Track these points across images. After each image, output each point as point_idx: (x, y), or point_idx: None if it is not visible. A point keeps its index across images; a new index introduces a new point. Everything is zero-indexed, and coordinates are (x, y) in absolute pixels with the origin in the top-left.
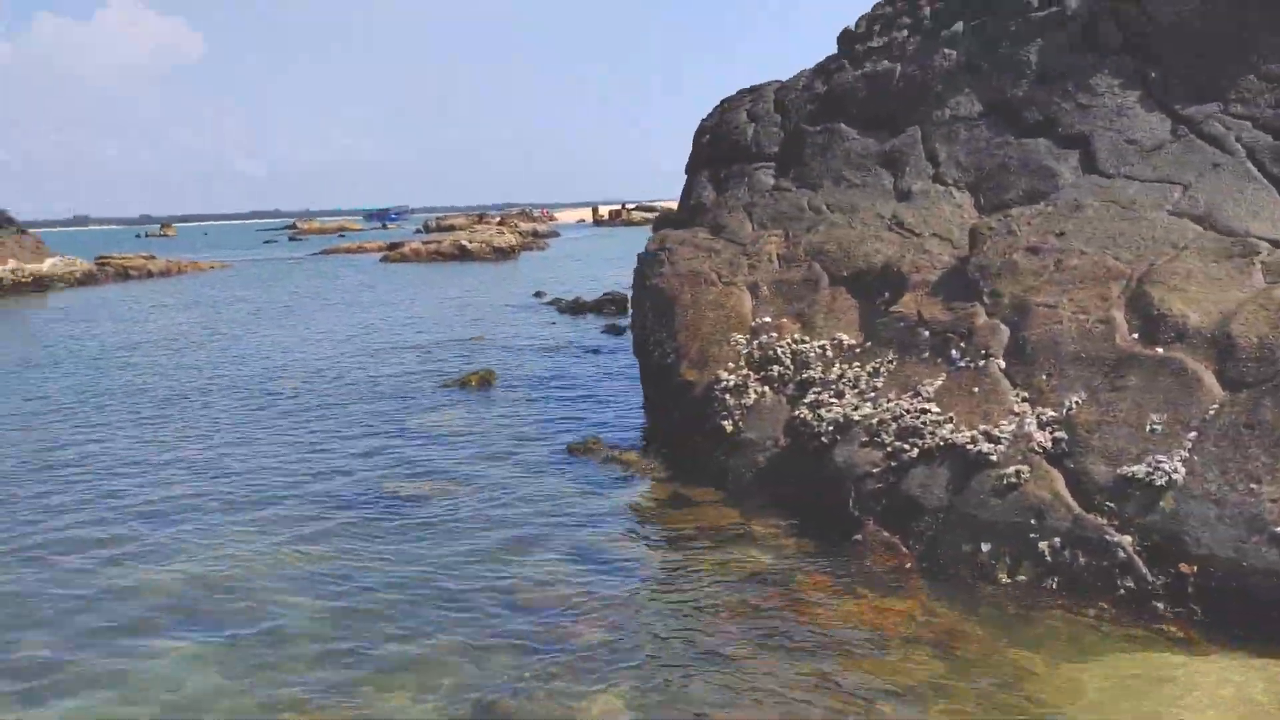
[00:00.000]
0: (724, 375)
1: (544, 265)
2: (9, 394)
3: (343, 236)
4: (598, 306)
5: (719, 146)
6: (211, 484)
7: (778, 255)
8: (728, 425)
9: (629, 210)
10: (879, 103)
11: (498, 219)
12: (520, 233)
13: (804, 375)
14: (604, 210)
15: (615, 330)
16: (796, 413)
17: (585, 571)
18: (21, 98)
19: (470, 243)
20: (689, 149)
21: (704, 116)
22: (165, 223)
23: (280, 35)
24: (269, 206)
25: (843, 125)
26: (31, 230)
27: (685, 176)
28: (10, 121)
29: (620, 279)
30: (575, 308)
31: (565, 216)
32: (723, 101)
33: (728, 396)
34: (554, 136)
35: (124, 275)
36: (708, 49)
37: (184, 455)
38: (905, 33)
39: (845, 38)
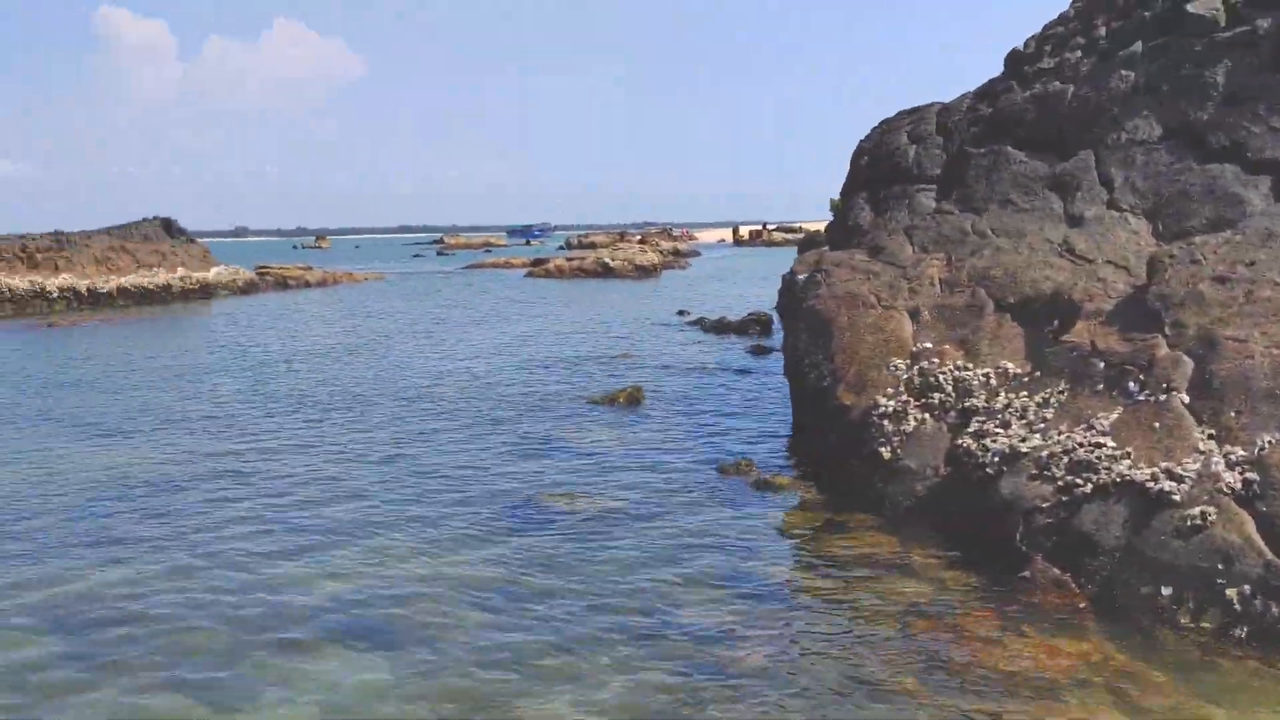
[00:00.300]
0: (882, 400)
1: (686, 284)
2: (180, 398)
3: (488, 252)
4: (743, 327)
5: (878, 168)
6: (373, 491)
7: (940, 279)
8: (885, 451)
9: (769, 231)
10: (1048, 125)
11: (638, 238)
12: (662, 251)
13: (966, 403)
14: (744, 230)
15: (762, 351)
16: (959, 442)
17: (740, 595)
18: (192, 116)
19: (613, 260)
20: (838, 171)
21: (862, 138)
22: (320, 235)
23: (436, 54)
24: (417, 222)
25: (1009, 148)
26: (197, 240)
27: (830, 199)
28: (181, 138)
29: (764, 299)
30: (720, 327)
31: (705, 236)
32: (882, 123)
33: (886, 422)
34: (693, 158)
35: (283, 284)
36: (854, 71)
37: (345, 462)
38: (1079, 54)
39: (1013, 59)
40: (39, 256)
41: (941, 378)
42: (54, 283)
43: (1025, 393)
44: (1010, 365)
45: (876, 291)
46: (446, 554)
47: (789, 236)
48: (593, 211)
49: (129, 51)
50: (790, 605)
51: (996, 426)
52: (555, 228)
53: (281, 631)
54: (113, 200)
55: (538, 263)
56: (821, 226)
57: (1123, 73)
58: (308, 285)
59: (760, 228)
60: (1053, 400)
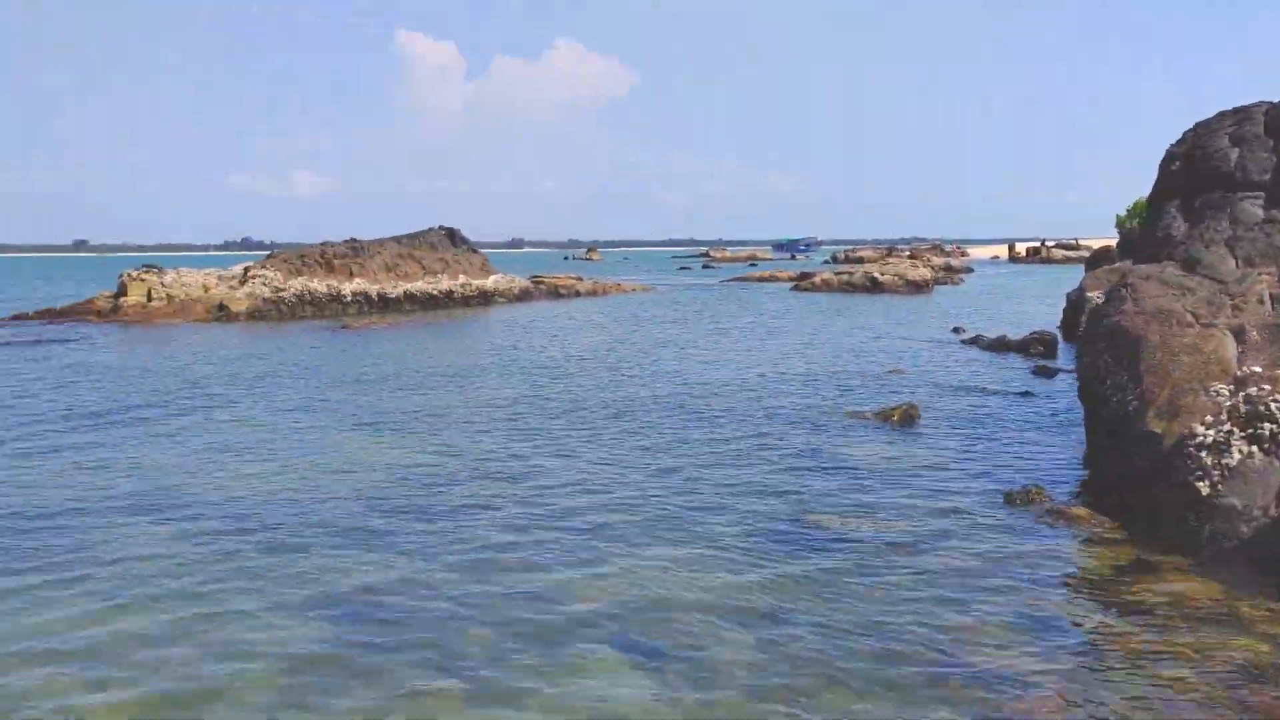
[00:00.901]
0: (1199, 429)
1: (959, 300)
2: (463, 400)
3: (754, 265)
4: (1024, 346)
5: (1193, 174)
6: (640, 502)
7: (1271, 296)
8: (1203, 486)
9: (1048, 248)
10: None
11: (907, 253)
12: (933, 267)
13: None
14: (1021, 247)
15: (1046, 373)
16: None
17: (1034, 638)
18: (477, 133)
19: (882, 275)
20: (1126, 186)
21: (1173, 142)
22: (591, 247)
23: (705, 70)
24: (684, 235)
25: None
26: (478, 249)
27: (1117, 215)
28: (466, 154)
29: (1045, 318)
30: (999, 346)
31: (978, 253)
32: (1197, 125)
33: (1204, 454)
34: (969, 170)
35: (555, 293)
36: (1145, 79)
37: (615, 469)
38: None
39: None
40: (336, 263)
41: (1274, 406)
42: (348, 287)
43: None
44: None
45: (1193, 308)
46: (713, 571)
47: (1069, 254)
48: (861, 226)
49: (424, 71)
50: (1093, 656)
51: None
52: (821, 242)
53: (548, 639)
54: (402, 213)
55: (803, 276)
56: (1106, 244)
57: None
58: (578, 294)
59: (1038, 244)
60: None
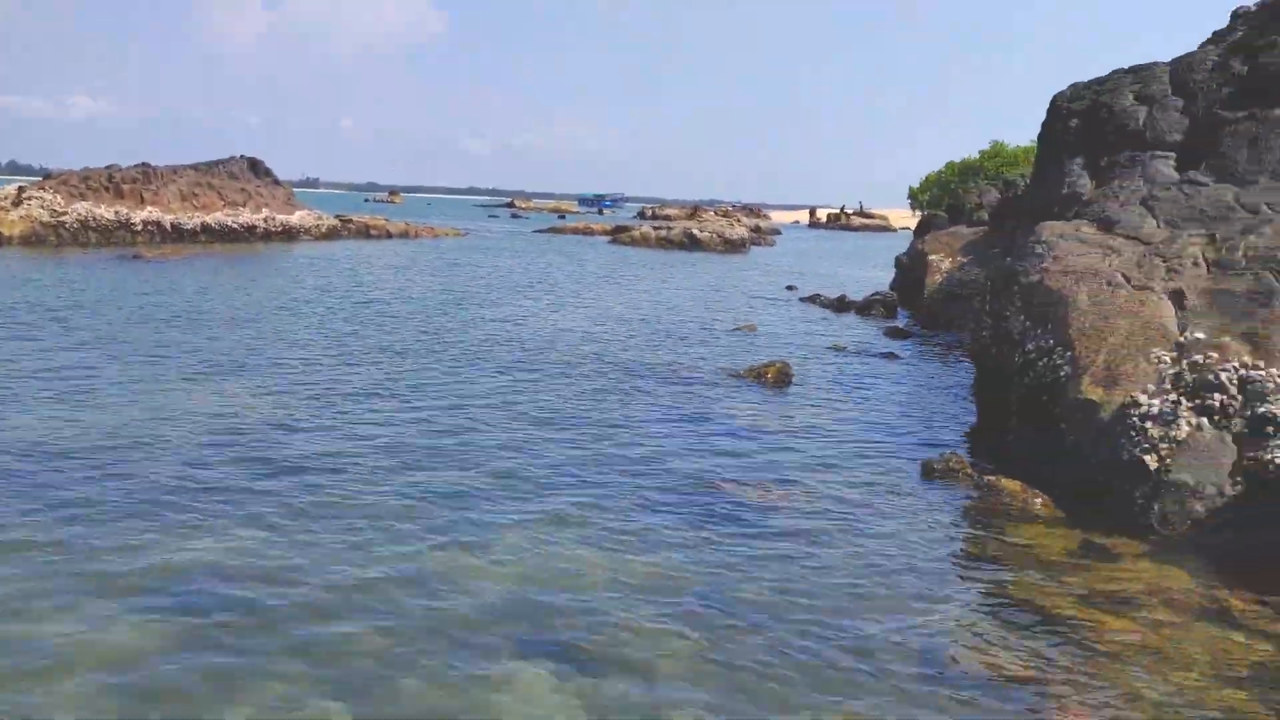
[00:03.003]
0: (1142, 398)
1: (777, 260)
2: (287, 340)
3: (562, 218)
4: (865, 307)
5: (1098, 131)
6: (521, 462)
7: (1205, 259)
8: (1150, 460)
9: (848, 215)
10: None
11: (710, 212)
12: (747, 227)
13: (1259, 409)
14: (822, 213)
15: (899, 334)
16: (1259, 455)
17: (1018, 635)
18: (270, 66)
19: (700, 232)
20: (908, 163)
21: (1061, 95)
22: (393, 190)
23: (516, 19)
24: (486, 184)
25: (1278, 113)
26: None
27: (910, 187)
28: (258, 87)
29: (868, 280)
30: (839, 305)
31: (779, 217)
32: (1091, 83)
33: (1149, 425)
34: (761, 138)
35: (365, 233)
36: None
37: (480, 425)
38: None
39: (1274, 11)
40: (125, 188)
41: (1224, 376)
42: (139, 215)
43: None
44: None
45: (1123, 270)
46: (632, 552)
47: (867, 221)
48: (662, 185)
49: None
50: (1084, 655)
51: None
52: (628, 198)
53: (445, 640)
54: (187, 144)
55: (620, 230)
56: (899, 215)
57: None
58: (389, 235)
59: (839, 211)
60: None
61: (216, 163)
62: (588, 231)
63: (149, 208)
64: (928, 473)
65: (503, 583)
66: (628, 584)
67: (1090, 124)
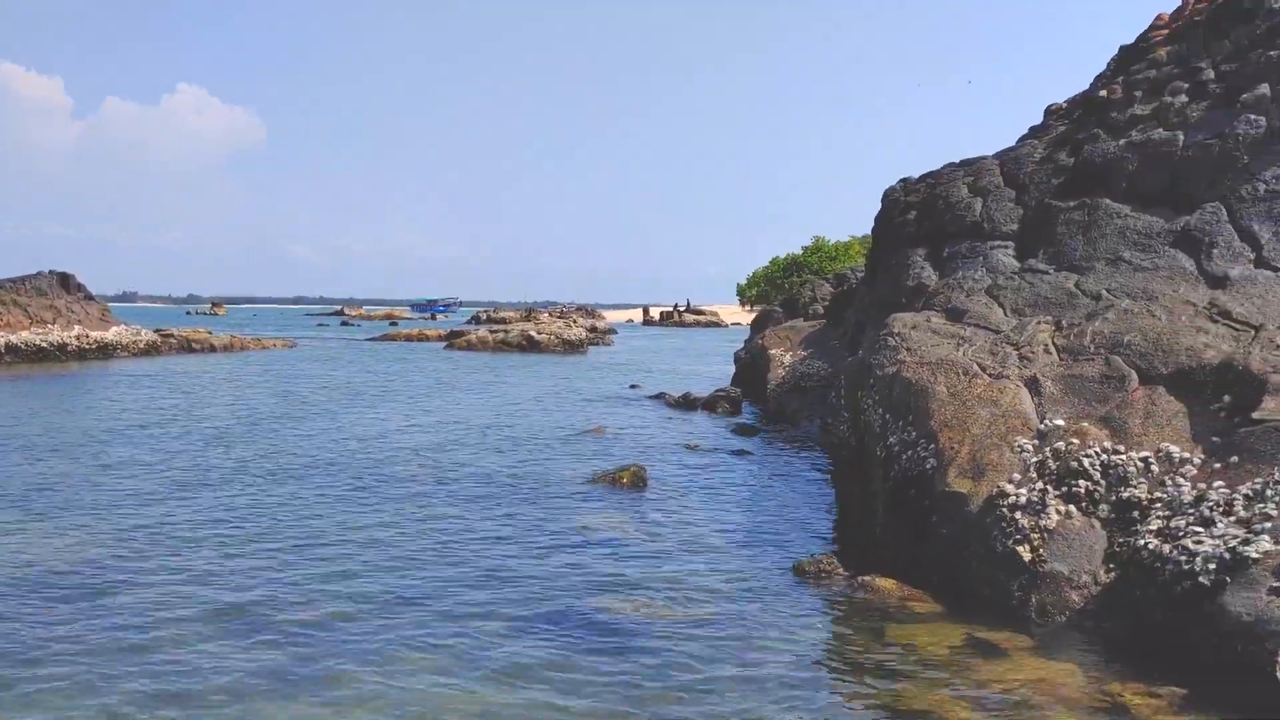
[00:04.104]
0: (1009, 489)
1: (616, 359)
2: (100, 468)
3: (394, 324)
4: (711, 404)
5: (935, 222)
6: (366, 591)
7: (1055, 345)
8: (1024, 551)
9: (680, 312)
10: (1156, 175)
11: (546, 314)
12: (584, 327)
13: (1124, 494)
14: (655, 311)
15: (747, 431)
16: (1132, 541)
17: None
18: (82, 177)
19: (539, 334)
20: (733, 260)
21: (894, 189)
22: (215, 301)
23: (338, 128)
24: (314, 293)
25: (1107, 201)
26: (96, 297)
27: (738, 283)
28: (68, 199)
29: (711, 375)
30: (686, 403)
31: (612, 316)
32: (925, 176)
33: (1019, 515)
34: (592, 239)
35: (187, 348)
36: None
37: (318, 551)
38: (1183, 98)
39: (1091, 105)
40: None
41: (1087, 462)
42: None
43: (1221, 483)
44: (1173, 448)
45: (977, 359)
46: (501, 683)
47: (699, 318)
48: (495, 289)
49: (23, 109)
50: None
51: (1194, 524)
52: (462, 303)
53: None
54: None
55: (455, 334)
56: (729, 310)
57: (1251, 117)
58: (214, 349)
59: (672, 308)
60: (1272, 493)
61: (23, 279)
62: (422, 338)
63: None
64: (800, 574)
65: None
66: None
67: (928, 215)
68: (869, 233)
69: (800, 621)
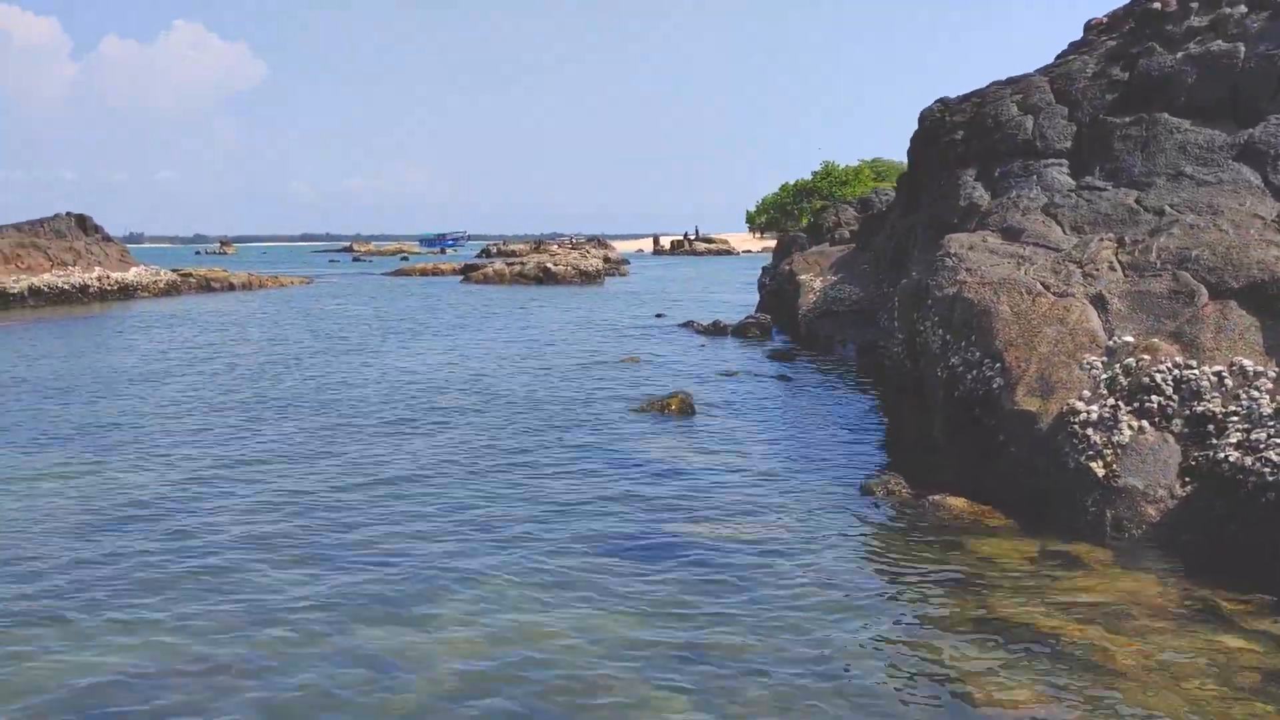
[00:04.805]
0: (1079, 405)
1: (635, 289)
2: (155, 405)
3: (405, 259)
4: (741, 330)
5: (984, 142)
6: (445, 522)
7: (1119, 262)
8: (1097, 467)
9: (691, 241)
10: (1216, 88)
11: (558, 244)
12: (599, 258)
13: (1197, 408)
14: (665, 240)
15: (783, 355)
16: (1206, 454)
17: (1011, 657)
18: (85, 119)
19: (555, 265)
20: (735, 189)
21: (931, 110)
22: (224, 240)
23: (338, 64)
24: (320, 230)
25: (1166, 115)
26: (114, 238)
27: (747, 211)
28: (72, 141)
29: (734, 302)
30: (715, 330)
31: (622, 246)
32: (970, 95)
33: (1090, 432)
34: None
35: (206, 287)
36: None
37: (391, 482)
38: (1243, 8)
39: (1146, 16)
40: None
41: (1159, 377)
42: None
43: None
44: (1247, 363)
45: (1040, 277)
46: (595, 609)
47: (709, 246)
48: (501, 222)
49: (18, 50)
50: (1090, 673)
51: (1275, 436)
52: (470, 236)
53: None
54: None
55: (471, 268)
56: (739, 238)
57: None
58: (233, 288)
59: (682, 237)
60: None
61: (41, 221)
62: (437, 272)
63: None
64: (867, 493)
65: (457, 657)
66: (594, 641)
67: (976, 135)
68: (877, 157)
69: (876, 539)
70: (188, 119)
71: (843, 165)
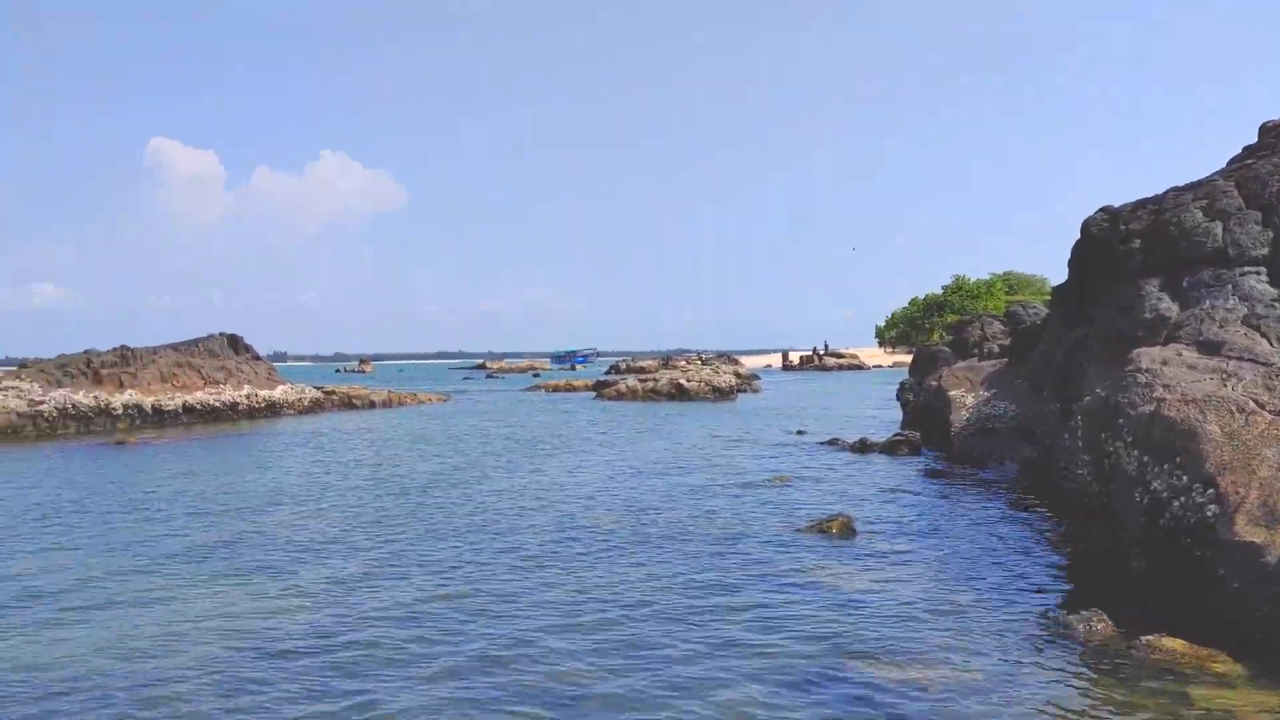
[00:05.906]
0: None
1: (769, 405)
2: (300, 527)
3: (536, 376)
4: (890, 448)
5: (1167, 250)
6: (623, 654)
7: None
8: None
9: (821, 356)
10: None
11: (686, 360)
12: (732, 374)
13: None
14: (794, 356)
15: (939, 474)
16: None
17: None
18: (236, 245)
19: (688, 381)
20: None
21: (1094, 219)
22: (363, 359)
23: (473, 191)
24: (453, 348)
25: None
26: (262, 357)
27: (877, 325)
28: (228, 266)
29: (875, 418)
30: (861, 448)
31: (750, 362)
32: (1145, 202)
33: None
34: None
35: (348, 404)
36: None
37: (556, 609)
38: None
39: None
40: (104, 372)
41: None
42: (119, 399)
43: None
44: None
45: (1251, 394)
46: None
47: (840, 361)
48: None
49: (180, 182)
50: None
51: None
52: (600, 353)
53: None
54: (153, 327)
55: (603, 384)
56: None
57: None
58: (374, 405)
59: (811, 352)
60: None
61: (195, 341)
62: (570, 388)
63: (129, 391)
64: (1065, 631)
65: None
66: None
67: (1157, 244)
68: (1009, 270)
69: (1088, 688)
70: (330, 243)
71: (974, 279)
